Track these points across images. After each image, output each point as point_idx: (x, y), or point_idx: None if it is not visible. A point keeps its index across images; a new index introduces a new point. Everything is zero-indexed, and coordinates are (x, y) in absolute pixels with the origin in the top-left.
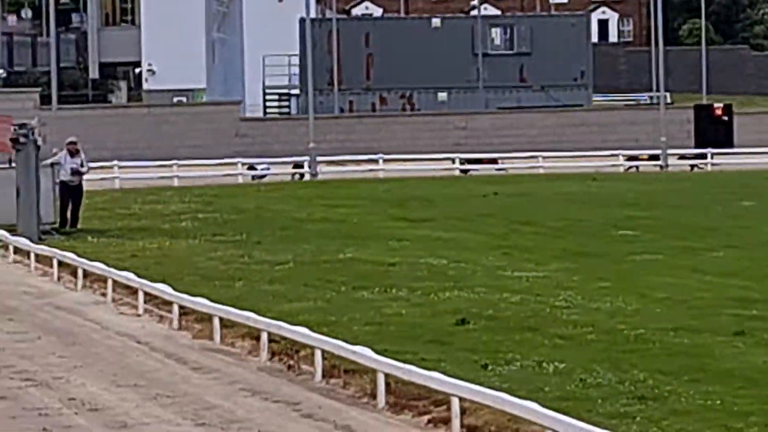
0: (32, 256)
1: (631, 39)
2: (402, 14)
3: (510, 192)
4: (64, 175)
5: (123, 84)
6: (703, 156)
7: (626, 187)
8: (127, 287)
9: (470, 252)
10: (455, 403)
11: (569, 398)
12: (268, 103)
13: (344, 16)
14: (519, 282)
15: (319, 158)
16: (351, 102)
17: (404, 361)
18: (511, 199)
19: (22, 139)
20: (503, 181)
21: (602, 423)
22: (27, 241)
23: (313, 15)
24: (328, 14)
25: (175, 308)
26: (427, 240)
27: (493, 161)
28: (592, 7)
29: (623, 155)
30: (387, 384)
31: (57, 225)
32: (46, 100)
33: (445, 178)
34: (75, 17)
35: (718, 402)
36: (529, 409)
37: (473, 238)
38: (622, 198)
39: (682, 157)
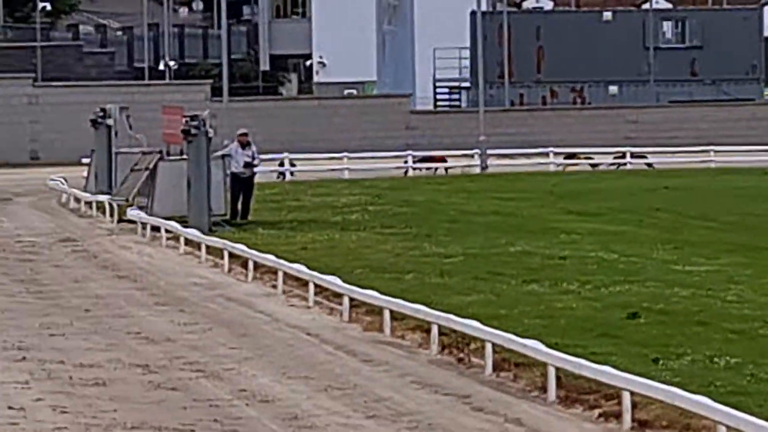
0: (203, 247)
1: None
2: (573, 7)
3: (681, 186)
4: (236, 167)
5: (294, 76)
6: None
7: None
8: (298, 279)
9: (640, 246)
10: (626, 398)
11: (741, 393)
12: (438, 96)
13: (515, 9)
14: (690, 276)
15: (489, 151)
16: (521, 95)
17: (575, 355)
18: (681, 194)
19: (193, 131)
20: (674, 176)
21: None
22: (198, 233)
23: (484, 8)
24: (499, 7)
25: (346, 300)
26: (597, 233)
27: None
28: (764, 1)
29: None
30: (557, 377)
31: (227, 217)
32: (217, 92)
33: (613, 173)
34: (246, 9)
35: None
36: (701, 403)
37: (643, 232)
38: None
39: None
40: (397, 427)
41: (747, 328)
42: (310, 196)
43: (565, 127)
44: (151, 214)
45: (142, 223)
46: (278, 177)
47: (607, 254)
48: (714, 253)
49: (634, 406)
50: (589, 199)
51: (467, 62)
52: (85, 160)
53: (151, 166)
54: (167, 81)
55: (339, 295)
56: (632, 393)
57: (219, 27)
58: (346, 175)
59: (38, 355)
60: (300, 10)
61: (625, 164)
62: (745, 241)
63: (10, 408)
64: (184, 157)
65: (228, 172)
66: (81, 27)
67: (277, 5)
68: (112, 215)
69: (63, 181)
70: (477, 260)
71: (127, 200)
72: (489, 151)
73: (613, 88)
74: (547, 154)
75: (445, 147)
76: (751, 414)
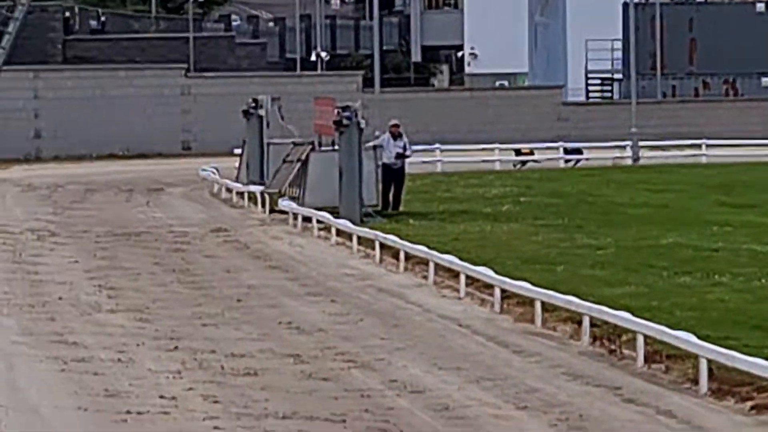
0: (354, 238)
1: None
2: None
3: None
4: (387, 158)
5: (445, 67)
6: None
7: None
8: (449, 270)
9: None
10: None
11: None
12: (590, 88)
13: (668, 0)
14: None
15: (641, 143)
16: (673, 87)
17: (727, 347)
18: None
19: (345, 122)
20: None
21: None
22: (349, 224)
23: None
24: None
25: (497, 292)
26: (750, 226)
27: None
28: None
29: None
30: (709, 370)
31: (379, 207)
32: (368, 83)
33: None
34: (398, 1)
35: None
36: None
37: None
38: None
39: None
40: (548, 418)
41: None
42: (461, 187)
43: (717, 119)
44: (302, 205)
45: (293, 214)
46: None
47: (760, 246)
48: None
49: None
50: (741, 190)
51: (619, 54)
52: (237, 151)
53: (302, 157)
54: (319, 72)
55: (490, 286)
56: None
57: (371, 18)
58: (498, 166)
59: (190, 344)
60: (452, 1)
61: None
62: None
63: (161, 397)
64: (336, 148)
65: (379, 163)
66: (233, 18)
67: None
68: (263, 206)
69: (215, 171)
70: (629, 252)
71: (279, 191)
72: (640, 143)
73: (766, 80)
74: (699, 146)
75: (596, 138)
76: None
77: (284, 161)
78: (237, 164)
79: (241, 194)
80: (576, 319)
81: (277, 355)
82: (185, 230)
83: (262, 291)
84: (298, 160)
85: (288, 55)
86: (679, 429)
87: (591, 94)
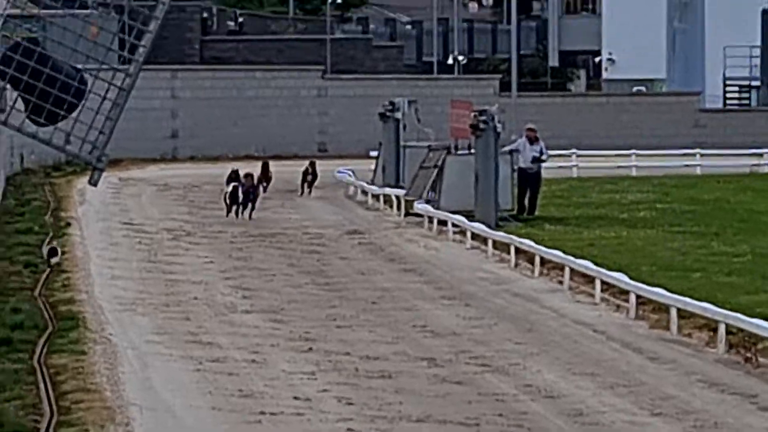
0: (489, 242)
1: None
2: None
3: None
4: (523, 162)
5: (582, 72)
6: None
7: None
8: (584, 276)
9: None
10: None
11: None
12: (727, 95)
13: None
14: None
15: None
16: None
17: None
18: None
19: (482, 126)
20: None
21: None
22: (484, 227)
23: None
24: None
25: (632, 297)
26: None
27: None
28: None
29: None
30: None
31: (514, 212)
32: (505, 86)
33: None
34: (536, 5)
35: None
36: None
37: None
38: None
39: None
40: (682, 425)
41: None
42: (597, 192)
43: None
44: (437, 208)
45: (428, 217)
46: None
47: None
48: None
49: None
50: None
51: (758, 60)
52: (373, 153)
53: (439, 163)
54: (456, 75)
55: (626, 292)
56: None
57: (508, 22)
58: (634, 172)
59: (324, 346)
60: (590, 6)
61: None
62: None
63: (296, 398)
64: (472, 151)
65: (515, 167)
66: (370, 21)
67: (567, 1)
68: (399, 208)
69: (351, 173)
70: (766, 260)
71: (420, 197)
72: None
73: None
74: None
75: (733, 146)
76: None
77: (421, 167)
78: (373, 167)
79: (376, 197)
80: (711, 326)
81: (411, 358)
82: (320, 232)
83: (396, 294)
84: (435, 166)
85: (425, 58)
86: None
87: (728, 101)
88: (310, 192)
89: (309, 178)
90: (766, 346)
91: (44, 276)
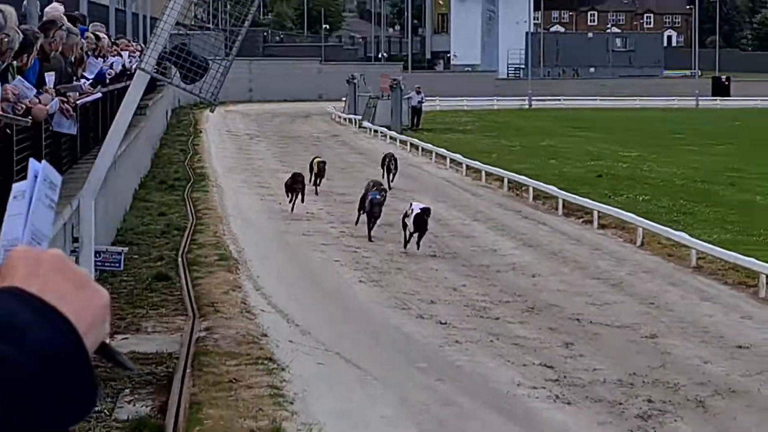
0: (398, 140)
1: None
2: None
3: None
4: (414, 103)
5: (442, 62)
6: None
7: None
8: (442, 156)
9: None
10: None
11: (651, 212)
12: (509, 71)
13: None
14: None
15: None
16: None
17: None
18: None
19: (394, 86)
20: None
21: (664, 224)
22: (395, 133)
23: None
24: None
25: (464, 165)
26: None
27: None
28: None
29: None
30: None
31: (409, 126)
32: (406, 68)
33: None
34: (420, 30)
35: (720, 216)
36: (628, 215)
37: None
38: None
39: None
40: (486, 226)
41: (655, 182)
42: (448, 117)
43: None
44: (374, 124)
45: (370, 129)
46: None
47: None
48: (640, 147)
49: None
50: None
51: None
52: (343, 98)
53: (375, 104)
54: (382, 62)
55: (460, 164)
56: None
57: (406, 37)
58: (466, 107)
59: (320, 188)
60: (446, 29)
61: None
62: (652, 141)
63: (308, 212)
64: (389, 97)
65: (410, 105)
66: (343, 36)
67: (435, 27)
68: (356, 125)
69: (333, 108)
70: (528, 149)
71: (366, 119)
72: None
73: None
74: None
75: (514, 95)
76: (657, 223)
77: (366, 105)
78: (343, 105)
79: (346, 119)
80: (500, 178)
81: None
82: (318, 135)
83: (355, 164)
84: (373, 105)
85: (369, 54)
86: None
87: (509, 75)
88: (317, 185)
89: (315, 175)
90: (530, 188)
91: (188, 156)
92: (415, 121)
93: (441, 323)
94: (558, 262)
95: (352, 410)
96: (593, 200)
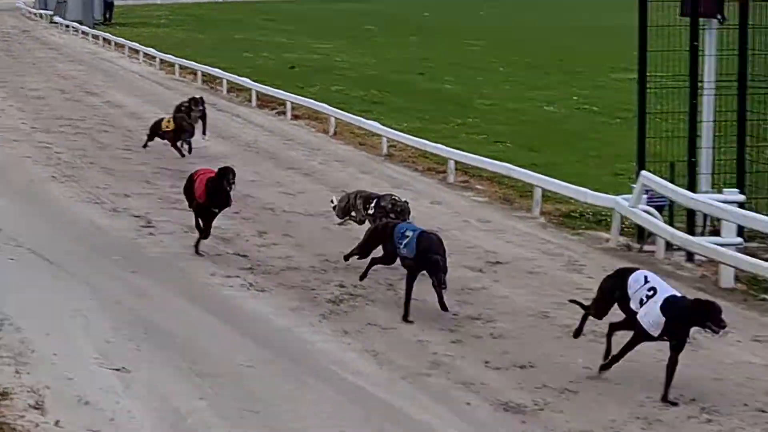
0: (90, 34)
1: None
2: None
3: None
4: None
5: None
6: None
7: None
8: (133, 50)
9: None
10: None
11: (344, 102)
12: None
13: None
14: (321, 50)
15: None
16: None
17: None
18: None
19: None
20: None
21: (357, 113)
22: (87, 28)
23: None
24: None
25: (158, 59)
26: None
27: None
28: None
29: None
30: None
31: (101, 20)
32: None
33: None
34: None
35: (411, 105)
36: (318, 104)
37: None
38: None
39: None
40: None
41: (349, 74)
42: (143, 11)
43: None
44: (65, 19)
45: (62, 25)
46: None
47: None
48: (333, 38)
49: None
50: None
51: None
52: None
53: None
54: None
55: (154, 58)
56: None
57: None
58: (159, 3)
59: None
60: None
61: None
62: (345, 33)
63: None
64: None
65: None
66: None
67: None
68: (47, 20)
69: (24, 3)
70: (222, 42)
71: (54, 14)
72: None
73: None
74: None
75: None
76: (349, 113)
77: (58, 2)
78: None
79: (37, 15)
80: (194, 72)
81: (53, 90)
82: (8, 31)
83: (45, 59)
84: (65, 0)
85: None
86: None
87: None
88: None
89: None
90: (224, 81)
91: None
92: (107, 15)
93: (134, 216)
94: (252, 153)
95: (44, 304)
96: (286, 91)
